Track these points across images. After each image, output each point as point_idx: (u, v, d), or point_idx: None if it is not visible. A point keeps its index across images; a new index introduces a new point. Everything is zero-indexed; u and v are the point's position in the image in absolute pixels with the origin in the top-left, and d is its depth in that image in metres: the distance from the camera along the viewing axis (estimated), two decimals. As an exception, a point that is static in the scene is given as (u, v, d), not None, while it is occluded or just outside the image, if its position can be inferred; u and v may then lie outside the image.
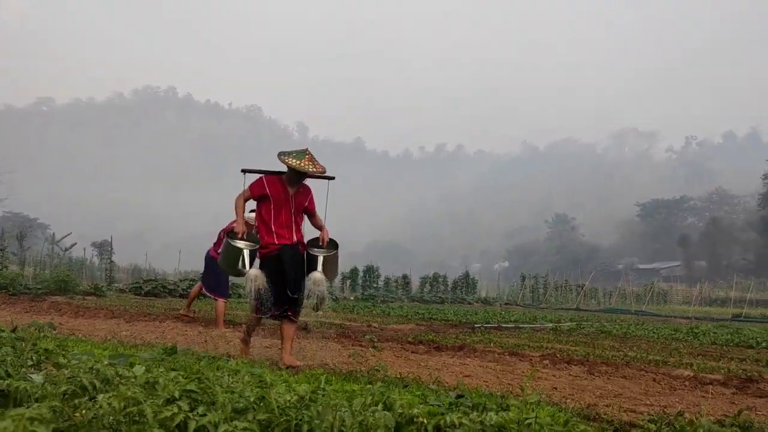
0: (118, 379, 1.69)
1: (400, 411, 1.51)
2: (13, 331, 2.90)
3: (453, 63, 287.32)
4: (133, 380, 1.59)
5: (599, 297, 35.65)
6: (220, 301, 8.31)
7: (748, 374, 6.05)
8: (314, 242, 5.44)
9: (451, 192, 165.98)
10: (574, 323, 13.27)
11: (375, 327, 9.84)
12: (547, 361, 6.38)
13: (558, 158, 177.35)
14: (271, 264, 5.19)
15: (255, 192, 5.42)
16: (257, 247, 5.30)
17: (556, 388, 4.75)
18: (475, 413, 1.62)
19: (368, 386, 2.06)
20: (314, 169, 5.28)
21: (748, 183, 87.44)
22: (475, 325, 11.17)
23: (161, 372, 1.73)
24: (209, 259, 8.50)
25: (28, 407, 1.59)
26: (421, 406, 1.56)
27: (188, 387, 1.57)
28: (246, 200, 5.51)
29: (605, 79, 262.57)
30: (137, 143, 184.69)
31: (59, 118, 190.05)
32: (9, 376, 1.98)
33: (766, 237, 68.25)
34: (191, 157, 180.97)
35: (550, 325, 12.52)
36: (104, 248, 47.41)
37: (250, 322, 5.60)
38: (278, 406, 1.69)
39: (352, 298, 22.34)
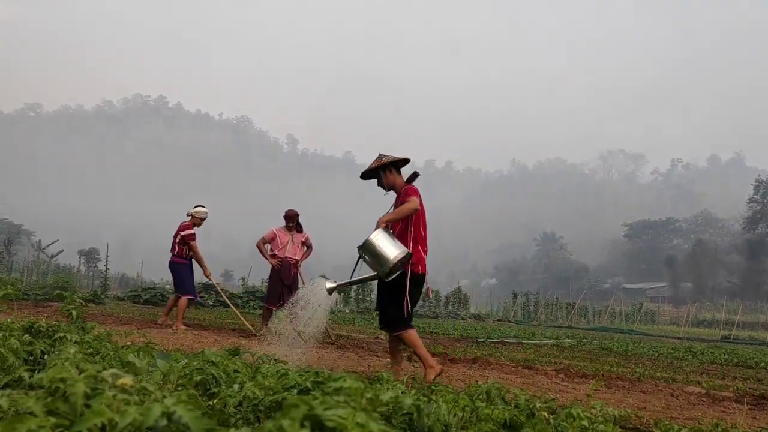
0: (237, 372, 1.77)
1: (518, 404, 1.61)
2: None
3: (443, 81, 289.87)
4: (266, 372, 1.68)
5: (589, 315, 35.89)
6: (185, 299, 8.96)
7: (760, 392, 6.19)
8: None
9: (439, 208, 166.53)
10: (574, 340, 13.40)
11: (382, 339, 9.90)
12: (562, 375, 6.49)
13: (546, 177, 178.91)
14: None
15: None
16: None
17: (580, 401, 4.85)
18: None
19: (478, 384, 2.15)
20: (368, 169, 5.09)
21: (733, 206, 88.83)
22: (479, 340, 11.26)
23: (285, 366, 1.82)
24: (173, 266, 9.20)
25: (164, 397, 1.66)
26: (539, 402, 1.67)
27: (318, 379, 1.66)
28: None
29: (593, 100, 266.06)
30: (125, 152, 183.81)
31: (47, 125, 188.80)
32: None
33: (750, 260, 69.17)
34: (180, 167, 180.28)
35: (551, 341, 12.64)
36: (91, 256, 47.05)
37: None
38: (391, 402, 1.78)
39: (347, 311, 22.36)
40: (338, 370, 5.43)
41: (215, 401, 1.62)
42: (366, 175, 5.21)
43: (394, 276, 4.83)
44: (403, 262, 4.81)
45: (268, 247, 9.23)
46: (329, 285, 4.80)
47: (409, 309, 4.92)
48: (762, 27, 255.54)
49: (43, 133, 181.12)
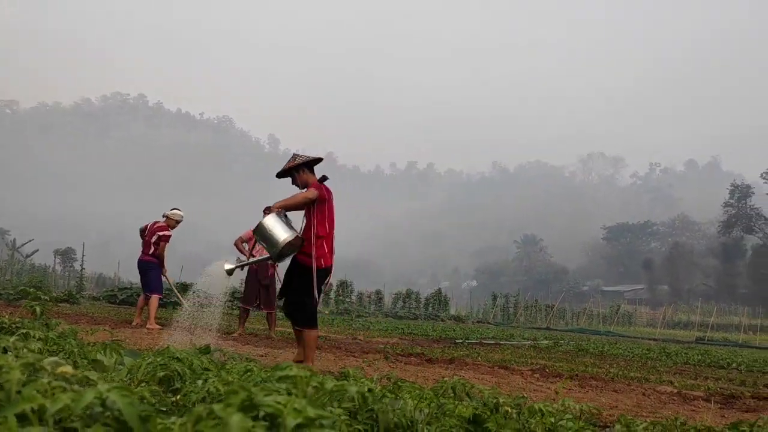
0: (203, 369, 1.76)
1: (482, 399, 1.62)
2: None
3: (426, 83, 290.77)
4: (231, 369, 1.67)
5: (567, 317, 36.20)
6: (155, 298, 9.09)
7: (730, 392, 6.29)
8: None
9: (420, 209, 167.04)
10: (551, 341, 13.51)
11: (360, 339, 9.90)
12: (538, 375, 6.54)
13: (527, 180, 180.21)
14: None
15: None
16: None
17: (554, 400, 4.89)
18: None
19: (444, 380, 2.16)
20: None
21: (709, 210, 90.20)
22: (457, 341, 11.31)
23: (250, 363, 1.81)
24: (145, 265, 9.29)
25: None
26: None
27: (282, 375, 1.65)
28: None
29: (575, 103, 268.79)
30: (104, 150, 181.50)
31: (23, 122, 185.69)
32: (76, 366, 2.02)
33: (725, 263, 70.34)
34: (160, 167, 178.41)
35: (529, 342, 12.74)
36: (67, 256, 46.34)
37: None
38: (358, 397, 1.78)
39: (326, 312, 22.31)
40: (334, 370, 5.41)
41: (179, 397, 1.61)
42: (281, 174, 5.45)
43: (287, 258, 5.18)
44: (294, 245, 5.03)
45: (246, 246, 9.20)
46: (228, 266, 5.08)
47: (315, 301, 5.21)
48: (739, 34, 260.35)
49: (19, 131, 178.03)
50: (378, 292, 27.84)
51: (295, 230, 5.10)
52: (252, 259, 5.40)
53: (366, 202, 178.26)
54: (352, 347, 8.09)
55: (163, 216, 9.45)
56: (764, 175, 70.29)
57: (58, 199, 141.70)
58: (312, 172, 5.44)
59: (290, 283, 5.28)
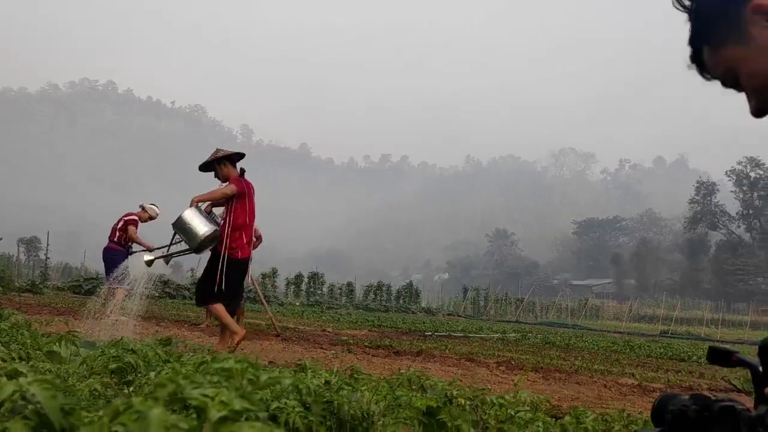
0: (161, 361, 1.75)
1: (438, 392, 1.64)
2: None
3: (401, 76, 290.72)
4: (187, 361, 1.66)
5: (536, 311, 36.68)
6: (122, 291, 8.41)
7: (688, 384, 6.47)
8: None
9: (394, 202, 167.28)
10: (520, 334, 13.69)
11: (329, 332, 9.90)
12: (503, 367, 6.62)
13: (500, 174, 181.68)
14: None
15: None
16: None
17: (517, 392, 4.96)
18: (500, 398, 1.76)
19: (401, 372, 2.17)
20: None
21: (676, 206, 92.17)
22: (426, 333, 11.38)
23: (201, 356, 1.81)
24: (109, 253, 9.01)
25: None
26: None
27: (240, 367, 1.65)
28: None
29: (547, 100, 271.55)
30: (72, 138, 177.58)
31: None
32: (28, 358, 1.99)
33: (690, 259, 71.94)
34: (129, 156, 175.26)
35: (497, 335, 12.89)
36: (32, 245, 45.27)
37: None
38: (313, 390, 1.78)
39: (297, 304, 22.24)
40: (279, 362, 5.40)
41: (131, 389, 1.59)
42: (203, 167, 5.60)
43: (205, 250, 5.37)
44: (213, 238, 5.21)
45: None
46: (147, 258, 5.30)
47: (223, 288, 5.30)
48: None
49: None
50: (349, 284, 27.82)
51: (216, 223, 5.25)
52: (171, 252, 5.46)
53: (339, 194, 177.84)
54: (320, 339, 8.09)
55: (140, 206, 9.41)
56: (729, 173, 72.03)
57: (24, 187, 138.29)
58: (234, 166, 5.57)
59: (206, 272, 5.51)
